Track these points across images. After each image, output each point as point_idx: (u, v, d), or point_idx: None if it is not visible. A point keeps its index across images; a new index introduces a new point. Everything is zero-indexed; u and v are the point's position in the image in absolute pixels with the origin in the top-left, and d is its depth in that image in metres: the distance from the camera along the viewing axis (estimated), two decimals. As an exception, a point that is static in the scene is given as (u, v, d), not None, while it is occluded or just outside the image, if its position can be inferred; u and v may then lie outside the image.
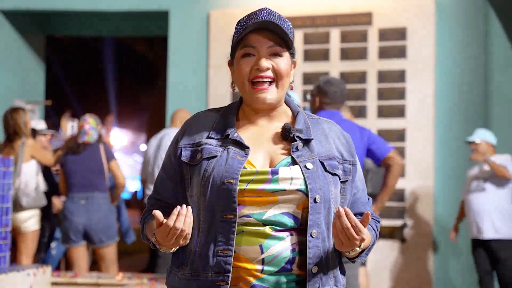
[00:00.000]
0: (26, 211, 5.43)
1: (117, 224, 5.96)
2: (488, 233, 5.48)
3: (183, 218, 1.67)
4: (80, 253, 5.57)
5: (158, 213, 1.67)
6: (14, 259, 5.74)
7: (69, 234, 5.50)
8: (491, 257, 5.55)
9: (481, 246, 5.57)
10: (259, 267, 1.72)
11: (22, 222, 5.42)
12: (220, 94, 6.71)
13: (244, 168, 1.75)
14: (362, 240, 1.68)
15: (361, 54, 6.61)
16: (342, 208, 1.66)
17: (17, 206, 5.39)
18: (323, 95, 4.13)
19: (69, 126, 6.32)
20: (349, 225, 1.65)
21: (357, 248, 1.71)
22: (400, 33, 6.52)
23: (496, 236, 5.48)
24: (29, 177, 5.45)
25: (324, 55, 6.70)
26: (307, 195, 1.74)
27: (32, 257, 5.55)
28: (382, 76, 6.54)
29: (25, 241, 5.46)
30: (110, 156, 5.66)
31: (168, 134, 5.40)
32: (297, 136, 1.81)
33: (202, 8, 7.02)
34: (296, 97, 5.09)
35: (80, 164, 5.57)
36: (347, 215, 1.65)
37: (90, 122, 5.69)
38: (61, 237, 5.63)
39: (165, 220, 1.67)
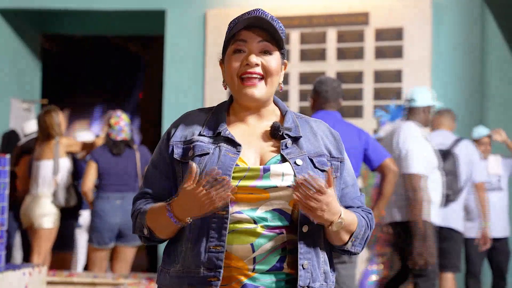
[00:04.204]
0: (45, 209, 5.45)
1: None
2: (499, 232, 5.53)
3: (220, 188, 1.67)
4: (106, 255, 5.53)
5: (194, 166, 1.68)
6: (27, 258, 5.74)
7: (104, 235, 5.41)
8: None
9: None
10: (251, 266, 1.73)
11: (37, 219, 5.42)
12: (217, 94, 6.71)
13: (236, 165, 1.76)
14: (324, 192, 1.68)
15: (358, 54, 6.62)
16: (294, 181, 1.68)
17: (56, 203, 5.47)
18: (317, 96, 4.15)
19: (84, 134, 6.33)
20: (302, 180, 1.67)
21: (333, 227, 1.73)
22: (397, 33, 6.52)
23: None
24: (63, 176, 5.55)
25: (320, 55, 6.71)
26: None
27: (45, 256, 5.49)
28: (379, 76, 6.55)
29: (38, 239, 5.43)
30: (147, 158, 5.53)
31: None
32: (286, 134, 1.83)
33: (199, 8, 7.02)
34: (428, 95, 4.74)
35: (116, 165, 5.48)
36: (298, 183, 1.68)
37: (124, 118, 5.57)
38: (91, 237, 5.49)
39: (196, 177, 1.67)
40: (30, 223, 5.47)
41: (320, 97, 4.12)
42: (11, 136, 6.61)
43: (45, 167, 5.53)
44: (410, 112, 4.65)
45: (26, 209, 5.50)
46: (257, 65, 1.81)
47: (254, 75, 1.81)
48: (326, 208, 1.70)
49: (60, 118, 5.61)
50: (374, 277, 5.41)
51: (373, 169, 4.11)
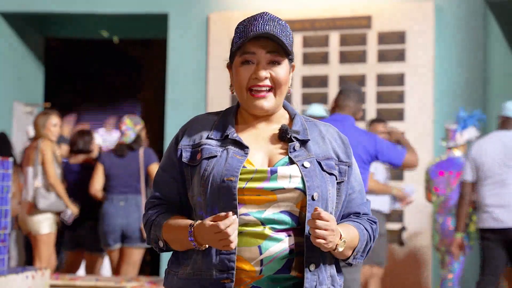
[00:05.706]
0: (39, 215, 5.41)
1: None
2: None
3: (234, 228, 1.67)
4: (114, 257, 5.55)
5: (224, 216, 1.67)
6: (31, 263, 5.74)
7: (107, 237, 5.46)
8: None
9: None
10: (258, 268, 1.74)
11: (33, 226, 5.41)
12: (219, 97, 6.71)
13: (244, 167, 1.76)
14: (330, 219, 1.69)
15: (360, 58, 6.62)
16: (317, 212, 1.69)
17: (34, 208, 5.38)
18: (337, 98, 4.26)
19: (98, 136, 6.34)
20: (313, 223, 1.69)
21: (339, 248, 1.73)
22: (399, 37, 6.53)
23: None
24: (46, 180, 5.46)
25: (323, 59, 6.71)
26: (305, 193, 1.76)
27: (46, 261, 5.47)
28: (381, 80, 6.55)
29: (37, 245, 5.44)
30: (149, 160, 5.56)
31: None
32: (294, 137, 1.83)
33: (201, 11, 7.03)
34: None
35: (120, 167, 5.52)
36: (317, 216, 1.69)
37: (127, 122, 5.62)
38: (99, 238, 5.57)
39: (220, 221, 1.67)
40: (28, 230, 5.47)
41: (338, 99, 4.23)
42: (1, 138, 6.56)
43: (29, 172, 5.47)
44: (506, 122, 4.87)
45: (23, 216, 5.49)
46: (266, 78, 1.81)
47: (263, 88, 1.81)
48: (333, 234, 1.71)
49: (47, 121, 5.52)
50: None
51: (398, 167, 4.32)
